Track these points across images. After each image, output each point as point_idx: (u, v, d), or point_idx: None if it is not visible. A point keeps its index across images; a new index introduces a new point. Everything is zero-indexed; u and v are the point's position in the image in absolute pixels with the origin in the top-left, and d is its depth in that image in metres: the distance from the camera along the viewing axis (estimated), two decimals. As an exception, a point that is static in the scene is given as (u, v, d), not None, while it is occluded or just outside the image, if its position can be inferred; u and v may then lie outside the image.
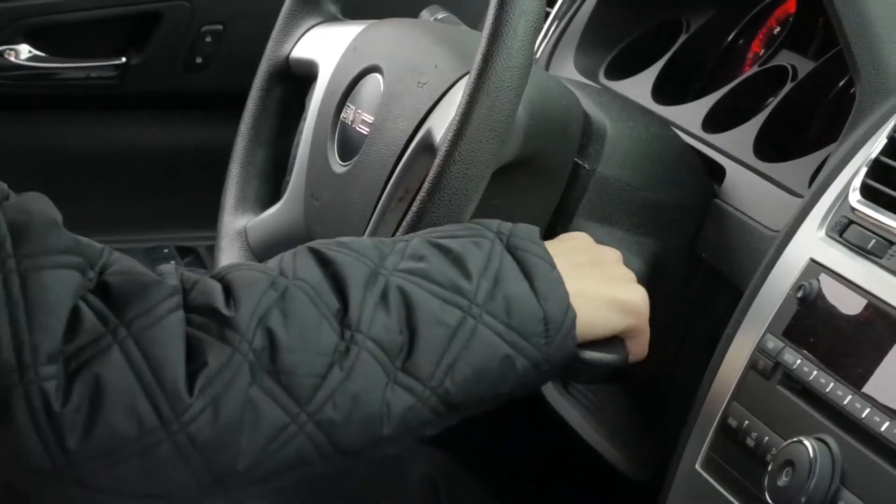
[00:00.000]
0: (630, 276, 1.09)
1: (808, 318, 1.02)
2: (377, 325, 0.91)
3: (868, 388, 0.95)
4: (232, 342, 0.87)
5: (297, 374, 0.88)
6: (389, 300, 0.92)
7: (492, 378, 0.95)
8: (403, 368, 0.92)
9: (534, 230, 1.00)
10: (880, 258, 1.00)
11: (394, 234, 1.03)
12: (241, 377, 0.86)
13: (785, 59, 1.35)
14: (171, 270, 0.90)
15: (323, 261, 0.93)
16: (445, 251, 0.96)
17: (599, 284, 1.04)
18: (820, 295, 1.02)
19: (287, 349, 0.88)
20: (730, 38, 1.45)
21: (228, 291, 0.89)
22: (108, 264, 0.89)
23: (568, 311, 0.98)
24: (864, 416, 0.93)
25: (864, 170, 1.05)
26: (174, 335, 0.86)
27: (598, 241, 1.17)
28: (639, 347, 1.07)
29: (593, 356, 1.03)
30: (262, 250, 1.29)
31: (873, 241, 1.01)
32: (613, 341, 1.05)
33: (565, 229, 1.18)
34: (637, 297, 1.06)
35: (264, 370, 0.87)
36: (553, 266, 0.99)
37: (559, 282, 0.98)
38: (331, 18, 1.34)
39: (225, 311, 0.87)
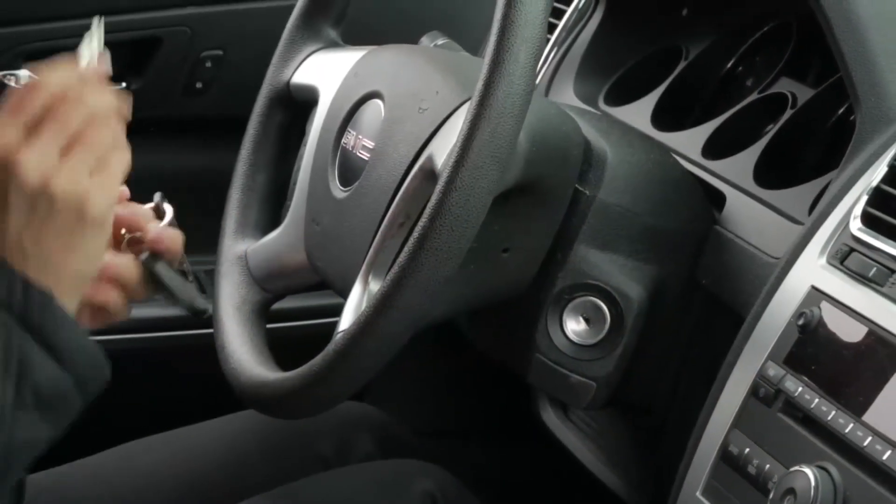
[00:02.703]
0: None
1: (810, 345, 1.02)
2: None
3: (869, 417, 0.95)
4: None
5: None
6: None
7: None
8: None
9: (48, 299, 0.90)
10: (881, 286, 1.00)
11: (394, 260, 1.03)
12: None
13: (784, 86, 1.35)
14: None
15: None
16: None
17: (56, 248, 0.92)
18: (821, 322, 1.01)
19: None
20: (729, 65, 1.45)
21: None
22: None
23: (102, 370, 0.94)
24: (865, 444, 0.93)
25: (864, 198, 1.05)
26: None
27: (598, 267, 1.17)
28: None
29: None
30: (263, 275, 1.29)
31: (874, 269, 1.01)
32: None
33: (565, 256, 1.18)
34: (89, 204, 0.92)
35: None
36: (73, 324, 0.91)
37: (83, 335, 0.92)
38: (331, 44, 1.34)
39: None
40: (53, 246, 0.92)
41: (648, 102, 1.44)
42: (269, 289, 1.29)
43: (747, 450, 1.02)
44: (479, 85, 0.98)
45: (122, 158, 0.98)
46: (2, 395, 0.87)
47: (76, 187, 0.92)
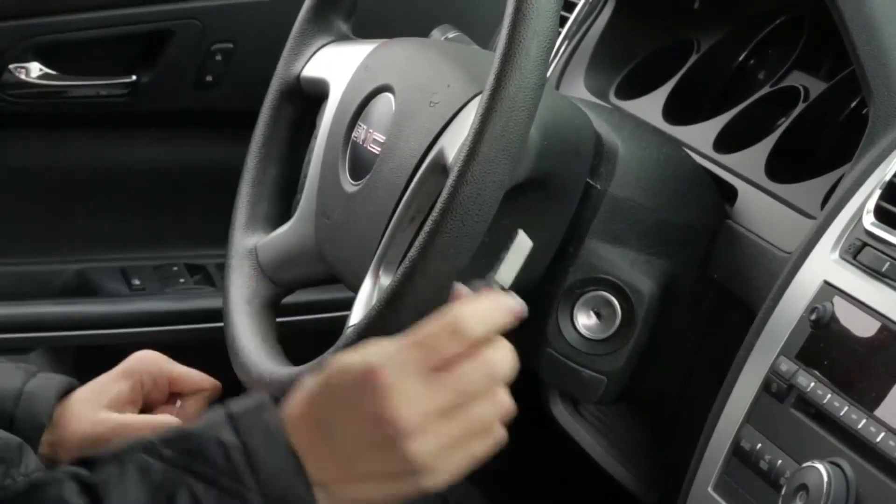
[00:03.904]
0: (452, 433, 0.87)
1: (822, 340, 1.01)
2: None
3: (882, 412, 0.94)
4: None
5: None
6: None
7: None
8: None
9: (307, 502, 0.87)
10: (894, 281, 1.00)
11: (405, 254, 1.03)
12: None
13: (797, 79, 1.34)
14: None
15: None
16: None
17: (379, 486, 0.88)
18: (834, 317, 1.01)
19: None
20: (741, 59, 1.45)
21: None
22: None
23: None
24: (878, 439, 0.93)
25: (877, 192, 1.05)
26: None
27: (609, 261, 1.17)
28: None
29: None
30: (273, 269, 1.29)
31: (887, 263, 1.00)
32: None
33: (576, 250, 1.17)
34: (429, 479, 0.87)
35: None
36: None
37: None
38: (342, 37, 1.33)
39: None
40: (372, 488, 0.88)
41: (660, 96, 1.44)
42: (280, 282, 1.29)
43: (759, 445, 1.02)
44: (491, 78, 0.98)
45: (489, 442, 0.89)
46: None
47: (430, 458, 0.86)
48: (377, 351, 0.87)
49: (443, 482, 0.88)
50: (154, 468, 0.87)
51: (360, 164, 1.20)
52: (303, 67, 1.32)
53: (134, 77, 1.87)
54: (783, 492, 0.97)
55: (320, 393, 0.89)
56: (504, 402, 0.88)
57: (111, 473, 0.87)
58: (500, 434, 0.89)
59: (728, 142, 1.32)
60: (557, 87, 1.53)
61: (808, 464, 0.96)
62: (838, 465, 0.94)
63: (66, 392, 1.21)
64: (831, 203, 1.10)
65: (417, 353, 0.86)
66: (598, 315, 1.19)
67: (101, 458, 0.89)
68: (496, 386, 0.88)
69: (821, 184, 1.19)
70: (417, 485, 0.87)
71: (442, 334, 0.87)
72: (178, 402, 1.24)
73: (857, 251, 1.03)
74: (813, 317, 1.02)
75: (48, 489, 0.87)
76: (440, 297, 1.02)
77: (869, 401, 0.95)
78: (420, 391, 0.86)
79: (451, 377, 0.86)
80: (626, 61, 1.54)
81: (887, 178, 1.05)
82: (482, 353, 0.87)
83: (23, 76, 1.80)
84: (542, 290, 1.19)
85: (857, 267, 1.03)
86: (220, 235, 1.36)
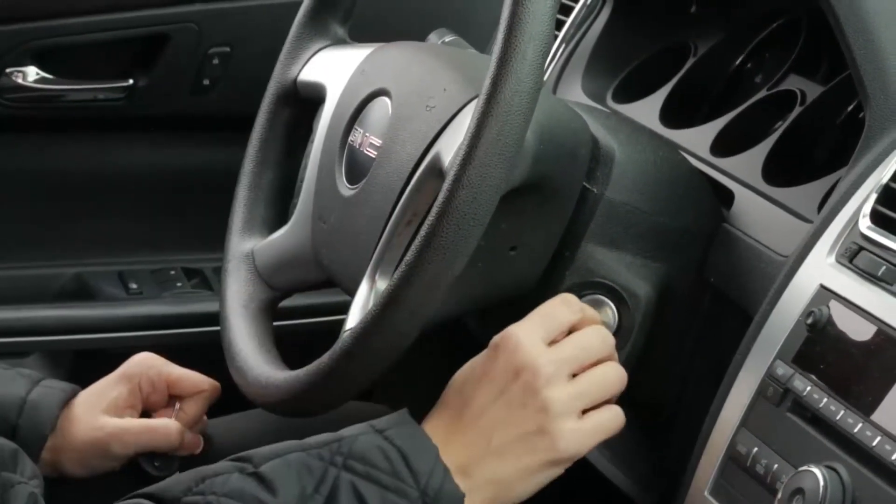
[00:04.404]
0: (578, 400, 1.02)
1: (818, 344, 1.01)
2: None
3: (878, 416, 0.94)
4: None
5: None
6: None
7: None
8: None
9: (458, 496, 0.97)
10: (890, 285, 0.99)
11: (402, 258, 1.03)
12: None
13: (793, 83, 1.34)
14: None
15: None
16: None
17: (526, 469, 1.00)
18: (830, 321, 1.01)
19: None
20: (738, 62, 1.45)
21: None
22: None
23: None
24: (874, 444, 0.93)
25: (874, 196, 1.05)
26: None
27: (606, 265, 1.17)
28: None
29: None
30: (269, 272, 1.29)
31: (884, 267, 1.00)
32: None
33: (573, 254, 1.17)
34: (568, 447, 1.00)
35: None
36: None
37: None
38: (338, 41, 1.33)
39: None
40: (512, 457, 0.99)
41: (657, 99, 1.44)
42: (276, 286, 1.29)
43: (755, 449, 1.02)
44: (487, 82, 0.98)
45: (614, 416, 1.04)
46: None
47: (563, 420, 0.99)
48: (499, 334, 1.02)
49: (575, 448, 0.99)
50: (314, 464, 0.95)
51: (357, 168, 1.20)
52: (299, 71, 1.32)
53: (131, 81, 1.87)
54: (779, 496, 0.97)
55: (453, 384, 1.03)
56: (620, 366, 1.05)
57: (275, 465, 0.95)
58: (621, 414, 1.03)
59: (725, 145, 1.32)
60: (554, 90, 1.53)
61: (805, 468, 0.96)
62: (834, 470, 0.94)
63: (69, 400, 1.21)
64: (828, 207, 1.10)
65: (538, 319, 1.03)
66: (594, 319, 1.19)
67: (259, 454, 0.97)
68: (609, 349, 1.05)
69: (817, 187, 1.19)
70: (553, 451, 0.98)
71: (556, 303, 1.05)
72: (178, 405, 1.24)
73: (853, 255, 1.03)
74: (809, 321, 1.02)
75: (217, 479, 0.94)
76: (437, 301, 1.02)
77: (865, 405, 0.95)
78: (545, 346, 1.01)
79: (571, 338, 1.03)
80: (623, 65, 1.54)
81: (884, 181, 1.05)
82: (592, 320, 1.06)
83: (20, 80, 1.80)
84: (539, 294, 1.18)
85: (853, 271, 1.03)
86: (216, 239, 1.36)
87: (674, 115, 1.41)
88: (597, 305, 1.17)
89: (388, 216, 1.13)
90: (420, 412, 1.04)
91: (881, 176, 1.06)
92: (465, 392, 1.02)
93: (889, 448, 0.92)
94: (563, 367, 1.01)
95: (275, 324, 1.28)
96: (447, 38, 1.41)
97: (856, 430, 0.95)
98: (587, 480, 1.40)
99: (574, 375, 1.02)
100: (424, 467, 0.96)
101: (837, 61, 1.23)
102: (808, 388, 1.00)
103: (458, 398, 1.02)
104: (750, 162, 1.26)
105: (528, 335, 1.02)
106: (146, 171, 1.97)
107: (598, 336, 1.05)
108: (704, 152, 1.32)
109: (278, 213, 1.34)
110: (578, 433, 1.00)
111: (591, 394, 1.02)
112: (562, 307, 1.05)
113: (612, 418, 1.03)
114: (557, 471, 1.01)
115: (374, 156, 1.18)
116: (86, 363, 1.76)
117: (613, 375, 1.04)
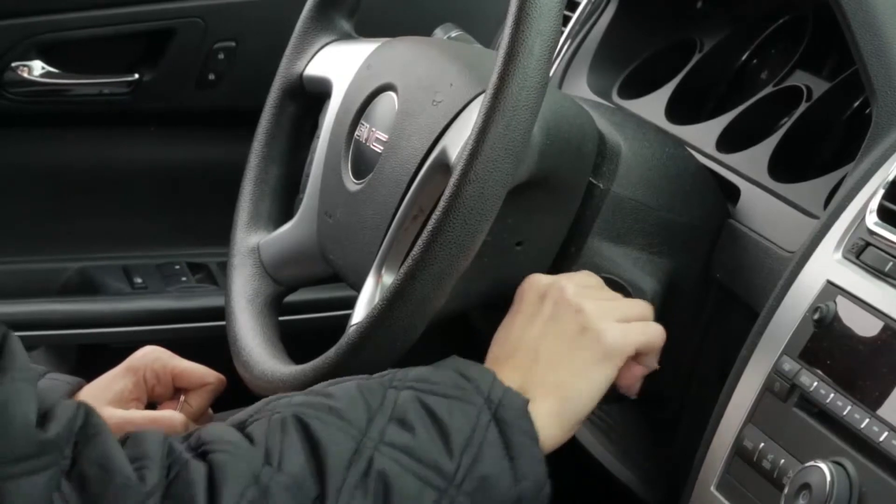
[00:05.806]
0: (612, 311, 1.09)
1: (825, 340, 1.01)
2: None
3: (885, 411, 0.94)
4: None
5: None
6: (369, 483, 0.94)
7: None
8: None
9: (522, 403, 1.01)
10: (897, 280, 1.00)
11: (408, 253, 1.03)
12: None
13: (799, 79, 1.34)
14: (155, 456, 0.91)
15: (309, 439, 0.94)
16: (433, 418, 0.97)
17: (580, 367, 1.05)
18: (836, 317, 1.01)
19: None
20: (744, 58, 1.45)
21: (212, 484, 0.90)
22: (85, 438, 0.91)
23: (543, 489, 1.00)
24: (881, 439, 0.93)
25: (881, 191, 1.05)
26: None
27: (612, 260, 1.17)
28: (628, 380, 1.10)
29: None
30: (275, 267, 1.29)
31: (891, 263, 1.00)
32: None
33: (579, 249, 1.17)
34: (615, 339, 1.06)
35: None
36: (535, 440, 1.00)
37: (540, 461, 1.00)
38: (344, 36, 1.33)
39: None
40: (563, 360, 1.04)
41: (662, 95, 1.44)
42: (282, 281, 1.29)
43: (762, 444, 1.02)
44: (494, 77, 0.98)
45: (659, 330, 1.10)
46: (454, 473, 0.96)
47: (601, 321, 1.05)
48: None
49: (622, 341, 1.05)
50: (374, 387, 0.99)
51: (363, 163, 1.20)
52: (305, 66, 1.32)
53: (136, 75, 1.87)
54: (786, 491, 0.97)
55: (493, 341, 1.08)
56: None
57: (336, 387, 1.00)
58: (662, 330, 1.10)
59: (731, 141, 1.31)
60: (560, 86, 1.53)
61: (811, 463, 0.96)
62: (841, 465, 0.94)
63: (74, 392, 1.21)
64: (834, 203, 1.10)
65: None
66: (600, 314, 1.19)
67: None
68: (642, 307, 1.12)
69: (824, 183, 1.19)
70: (599, 343, 1.04)
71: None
72: (182, 397, 1.24)
73: (860, 251, 1.03)
74: (816, 316, 1.02)
75: (281, 401, 0.99)
76: (442, 296, 1.02)
77: (872, 400, 0.95)
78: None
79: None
80: (629, 60, 1.54)
81: (890, 177, 1.05)
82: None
83: (25, 74, 1.80)
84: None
85: (860, 266, 1.03)
86: (222, 234, 1.36)
87: (679, 111, 1.41)
88: None
89: (394, 211, 1.13)
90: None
91: (888, 172, 1.06)
92: (500, 336, 1.08)
93: (896, 443, 0.92)
94: (585, 289, 1.08)
95: (281, 319, 1.28)
96: (453, 34, 1.41)
97: (863, 426, 0.95)
98: (593, 476, 1.40)
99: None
100: (484, 382, 1.00)
101: (844, 57, 1.23)
102: (815, 383, 1.00)
103: (496, 345, 1.08)
104: (756, 158, 1.26)
105: (560, 279, 1.09)
106: (151, 165, 1.97)
107: (628, 299, 1.13)
108: (710, 148, 1.31)
109: (284, 207, 1.34)
110: (620, 328, 1.06)
111: (622, 309, 1.09)
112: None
113: (655, 328, 1.09)
114: (611, 367, 1.05)
115: (380, 151, 1.18)
116: (90, 357, 1.76)
117: (651, 320, 1.11)
